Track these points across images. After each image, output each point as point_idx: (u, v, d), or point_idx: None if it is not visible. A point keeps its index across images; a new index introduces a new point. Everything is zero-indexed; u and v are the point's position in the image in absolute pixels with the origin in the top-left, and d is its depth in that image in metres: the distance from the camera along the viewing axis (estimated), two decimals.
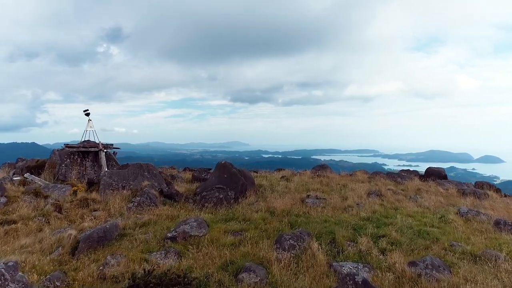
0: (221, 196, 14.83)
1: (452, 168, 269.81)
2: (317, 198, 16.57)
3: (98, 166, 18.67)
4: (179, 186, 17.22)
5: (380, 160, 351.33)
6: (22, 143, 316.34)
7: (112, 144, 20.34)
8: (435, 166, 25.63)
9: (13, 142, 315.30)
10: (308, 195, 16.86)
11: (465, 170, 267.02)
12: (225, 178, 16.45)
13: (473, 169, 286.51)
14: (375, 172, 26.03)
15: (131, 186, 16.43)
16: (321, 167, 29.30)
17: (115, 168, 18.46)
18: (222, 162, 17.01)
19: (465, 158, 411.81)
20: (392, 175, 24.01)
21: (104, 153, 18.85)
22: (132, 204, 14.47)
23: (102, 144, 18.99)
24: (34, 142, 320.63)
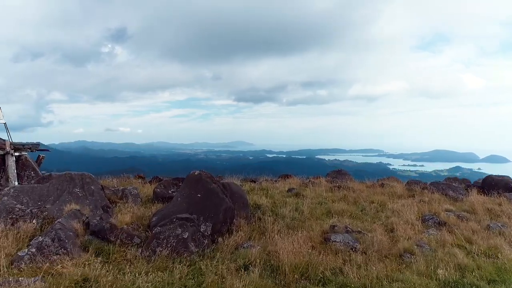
0: (185, 234, 8.43)
1: (457, 167, 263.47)
2: (348, 232, 10.19)
3: (6, 178, 12.42)
4: (125, 212, 10.79)
5: (385, 160, 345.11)
6: (27, 143, 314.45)
7: (38, 144, 14.06)
8: (497, 174, 18.97)
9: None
10: (333, 226, 10.45)
11: (471, 170, 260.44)
12: (199, 199, 10.07)
13: (479, 168, 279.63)
14: (412, 181, 19.58)
15: (46, 213, 10.09)
16: (338, 173, 22.93)
17: (32, 181, 12.22)
18: (196, 174, 10.60)
19: (471, 157, 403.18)
20: (440, 186, 17.50)
21: (14, 158, 12.56)
22: (27, 250, 8.13)
23: (12, 143, 12.71)
24: (39, 142, 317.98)
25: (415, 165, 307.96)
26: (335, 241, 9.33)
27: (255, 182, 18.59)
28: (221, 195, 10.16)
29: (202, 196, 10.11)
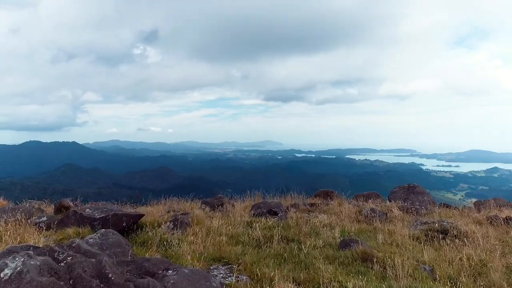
0: None
1: (495, 169, 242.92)
2: None
3: None
4: None
5: (417, 160, 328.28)
6: (63, 142, 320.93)
7: None
8: None
9: (55, 141, 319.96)
10: None
11: (510, 171, 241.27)
12: None
13: None
14: None
15: None
16: (410, 192, 14.45)
17: None
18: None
19: (510, 158, 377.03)
20: None
21: None
22: None
23: None
24: (74, 141, 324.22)
25: (449, 166, 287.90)
26: None
27: (276, 214, 10.38)
28: None
29: None
